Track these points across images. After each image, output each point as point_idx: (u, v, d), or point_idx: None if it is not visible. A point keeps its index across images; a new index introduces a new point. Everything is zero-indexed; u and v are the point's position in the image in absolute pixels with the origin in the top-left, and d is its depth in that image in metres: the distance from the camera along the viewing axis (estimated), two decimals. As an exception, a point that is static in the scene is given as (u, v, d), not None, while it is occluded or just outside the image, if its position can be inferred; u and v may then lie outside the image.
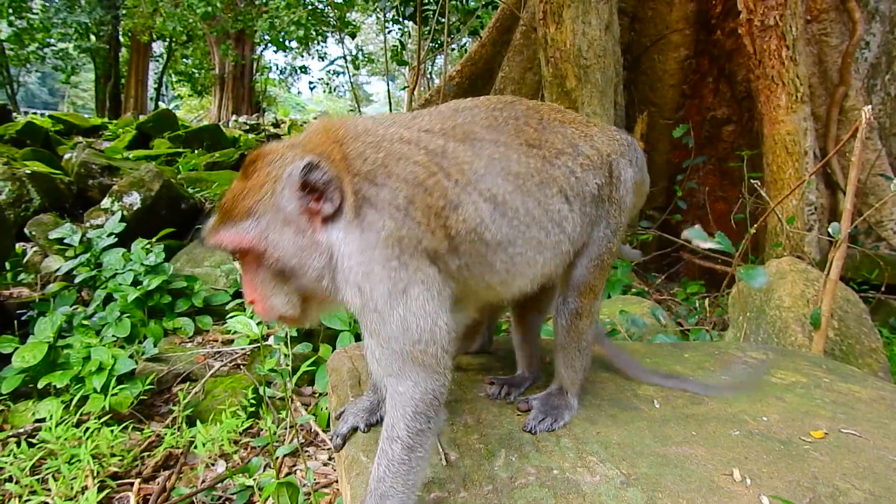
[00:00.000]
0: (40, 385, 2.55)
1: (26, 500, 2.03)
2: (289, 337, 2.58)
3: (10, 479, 2.11)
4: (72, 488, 2.06)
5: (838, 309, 2.79)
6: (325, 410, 2.63)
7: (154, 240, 3.86)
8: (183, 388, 2.88)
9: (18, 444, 2.25)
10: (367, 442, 1.50)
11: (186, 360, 3.15)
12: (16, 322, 3.15)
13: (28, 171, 4.10)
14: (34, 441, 2.34)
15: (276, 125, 19.56)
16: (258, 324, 2.12)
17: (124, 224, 3.98)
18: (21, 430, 2.39)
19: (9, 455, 2.21)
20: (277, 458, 2.23)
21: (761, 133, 5.36)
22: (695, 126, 5.95)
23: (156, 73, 37.56)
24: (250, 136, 10.27)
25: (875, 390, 1.92)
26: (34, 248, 4.20)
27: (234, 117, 22.78)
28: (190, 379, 3.06)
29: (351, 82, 7.58)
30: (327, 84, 31.81)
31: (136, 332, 3.26)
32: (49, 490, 2.05)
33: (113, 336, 3.13)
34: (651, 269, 5.61)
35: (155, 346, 3.13)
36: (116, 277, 3.46)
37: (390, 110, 7.08)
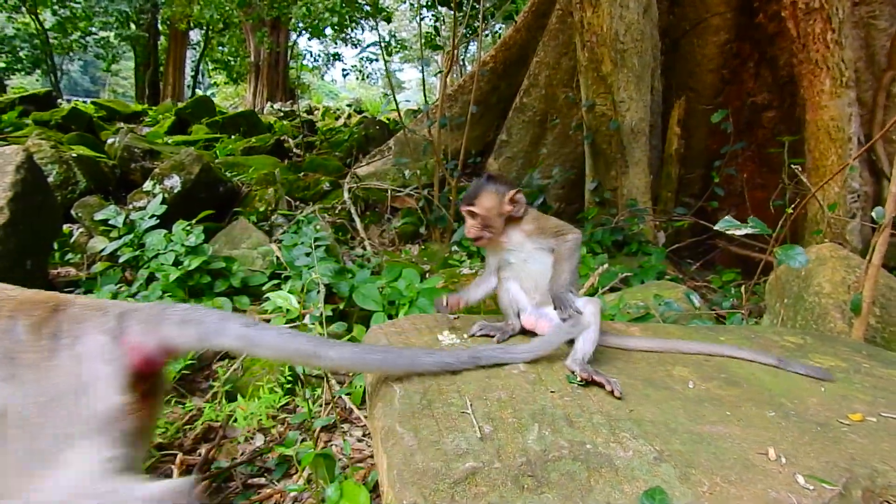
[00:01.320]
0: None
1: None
2: (324, 317, 2.64)
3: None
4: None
5: (880, 296, 2.72)
6: (358, 388, 2.69)
7: (194, 222, 3.97)
8: (222, 365, 2.97)
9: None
10: (403, 412, 1.53)
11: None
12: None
13: (74, 155, 4.23)
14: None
15: (309, 112, 19.76)
16: (298, 302, 2.17)
17: (165, 206, 4.10)
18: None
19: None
20: (315, 430, 2.30)
21: (803, 119, 5.23)
22: (734, 112, 5.82)
23: (193, 61, 38.16)
24: (285, 122, 10.40)
25: (917, 377, 1.88)
26: (80, 230, 4.36)
27: (268, 104, 23.05)
28: (228, 356, 3.15)
29: (386, 69, 7.60)
30: (360, 71, 31.94)
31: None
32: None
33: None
34: (686, 257, 5.54)
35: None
36: (158, 258, 3.57)
37: (424, 98, 7.10)
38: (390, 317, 3.03)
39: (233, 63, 35.13)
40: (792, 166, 3.71)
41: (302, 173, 5.80)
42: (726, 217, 2.31)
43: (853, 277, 2.80)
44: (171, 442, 2.43)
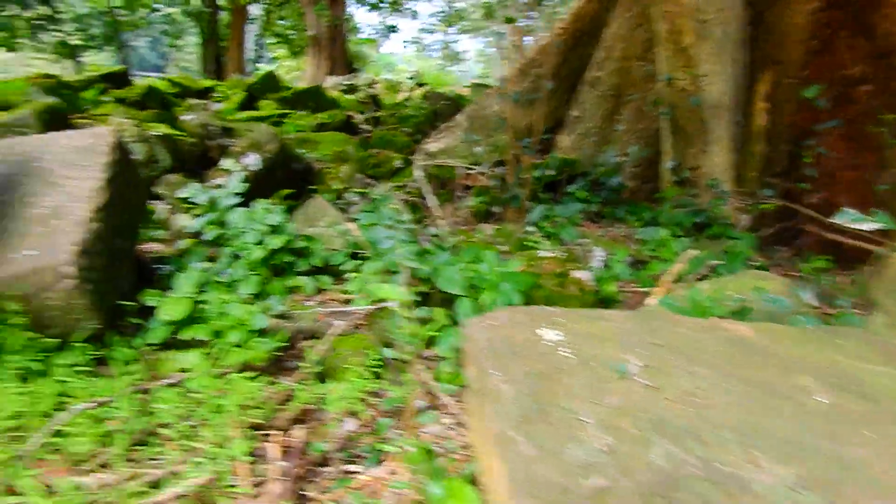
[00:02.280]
0: (183, 337, 2.74)
1: (180, 445, 2.21)
2: (413, 302, 2.62)
3: (165, 426, 2.29)
4: (220, 436, 2.21)
5: None
6: (446, 373, 2.67)
7: (275, 200, 4.02)
8: (309, 346, 3.01)
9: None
10: (517, 416, 1.49)
11: (309, 317, 3.29)
12: (153, 276, 3.40)
13: (157, 133, 4.33)
14: (179, 390, 2.52)
15: (370, 86, 19.80)
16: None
17: (247, 184, 4.16)
18: (170, 380, 2.57)
19: (161, 403, 2.39)
20: (408, 416, 2.30)
21: (907, 94, 4.83)
22: (824, 85, 5.44)
23: (255, 35, 38.76)
24: (349, 96, 10.42)
25: None
26: (165, 206, 4.49)
27: (330, 79, 23.20)
28: (314, 336, 3.18)
29: (444, 41, 7.52)
30: (418, 42, 31.78)
31: (262, 289, 3.43)
32: (201, 437, 2.21)
33: (243, 292, 3.32)
34: (771, 242, 5.27)
35: (280, 303, 3.28)
36: (241, 236, 3.63)
37: (489, 72, 6.99)
38: (475, 302, 2.99)
39: (292, 37, 35.52)
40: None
41: (373, 150, 5.79)
42: (845, 209, 2.15)
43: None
44: (267, 422, 2.48)
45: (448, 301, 3.30)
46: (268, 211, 3.79)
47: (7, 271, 2.48)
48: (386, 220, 3.97)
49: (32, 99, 6.23)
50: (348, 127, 6.48)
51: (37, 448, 2.08)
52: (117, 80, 8.60)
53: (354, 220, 4.05)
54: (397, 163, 5.40)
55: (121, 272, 3.00)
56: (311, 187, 4.67)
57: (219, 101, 9.23)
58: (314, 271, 3.74)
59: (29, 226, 2.69)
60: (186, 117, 6.38)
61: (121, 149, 3.19)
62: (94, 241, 2.70)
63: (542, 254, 3.93)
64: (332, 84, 21.10)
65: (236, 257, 3.62)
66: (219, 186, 4.29)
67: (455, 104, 7.87)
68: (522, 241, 4.27)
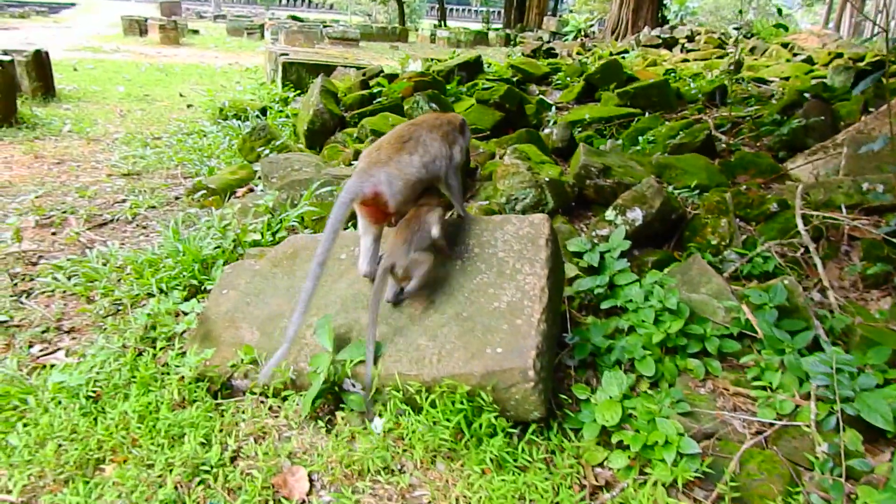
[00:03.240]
0: (612, 439, 3.05)
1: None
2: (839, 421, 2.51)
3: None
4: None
5: None
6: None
7: (664, 272, 4.12)
8: (714, 454, 3.10)
9: None
10: None
11: (707, 415, 3.37)
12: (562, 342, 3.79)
13: (546, 179, 4.67)
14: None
15: (690, 38, 18.02)
16: None
17: (629, 242, 4.32)
18: (600, 482, 2.92)
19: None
20: None
21: None
22: None
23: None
24: (699, 84, 9.70)
25: None
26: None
27: (643, 32, 21.83)
28: (712, 436, 3.26)
29: None
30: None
31: (657, 370, 3.61)
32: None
33: (639, 375, 3.55)
34: None
35: (680, 394, 3.41)
36: (638, 312, 3.83)
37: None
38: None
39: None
40: None
41: (743, 187, 5.47)
42: None
43: None
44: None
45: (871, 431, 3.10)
46: (662, 286, 3.90)
47: (483, 366, 3.00)
48: (775, 300, 3.80)
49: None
50: (708, 143, 6.17)
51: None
52: (472, 68, 9.37)
53: (746, 297, 3.93)
54: (774, 206, 5.02)
55: (553, 356, 3.42)
56: (689, 244, 4.64)
57: (559, 89, 9.52)
58: (703, 352, 3.78)
59: (492, 319, 3.20)
60: (548, 131, 6.72)
61: (554, 239, 3.55)
62: (543, 342, 3.11)
63: None
64: (646, 39, 19.95)
65: (631, 329, 3.84)
66: (602, 238, 4.53)
67: (830, 112, 6.87)
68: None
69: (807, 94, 7.50)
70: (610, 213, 4.63)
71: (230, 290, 3.70)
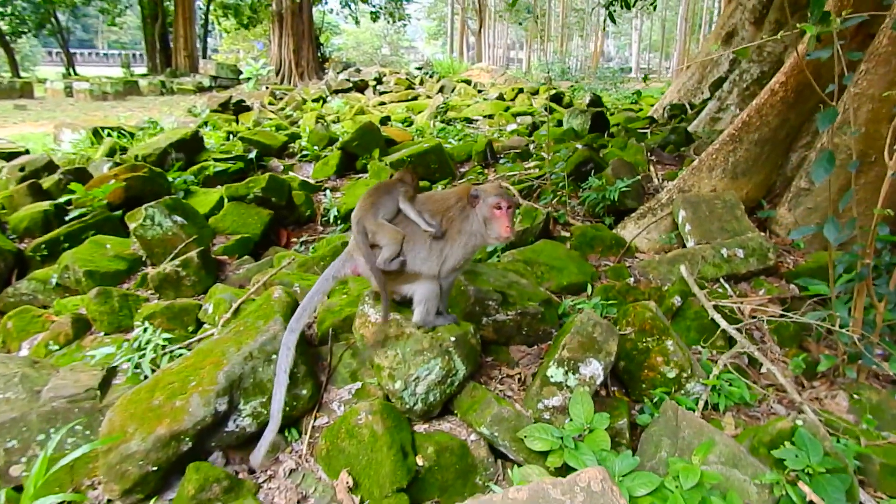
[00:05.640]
0: None
1: None
2: None
3: None
4: None
5: None
6: None
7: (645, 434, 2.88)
8: None
9: None
10: None
11: None
12: None
13: (453, 339, 3.12)
14: None
15: (379, 80, 17.58)
16: None
17: (607, 415, 3.00)
18: None
19: None
20: None
21: None
22: None
23: (201, 10, 35.46)
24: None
25: None
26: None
27: (310, 81, 20.84)
28: None
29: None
30: (391, 14, 29.49)
31: None
32: None
33: None
34: None
35: None
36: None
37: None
38: None
39: (242, 4, 32.67)
40: None
41: (594, 265, 4.61)
42: None
43: None
44: None
45: None
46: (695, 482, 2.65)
47: None
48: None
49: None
50: (547, 223, 5.24)
51: None
52: (189, 147, 6.90)
53: (778, 462, 2.94)
54: (676, 299, 4.27)
55: None
56: (641, 384, 3.52)
57: (307, 161, 7.58)
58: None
59: None
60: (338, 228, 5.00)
61: None
62: None
63: None
64: (336, 84, 19.02)
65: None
66: (551, 409, 3.11)
67: (590, 153, 6.57)
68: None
69: (578, 146, 7.23)
70: (555, 372, 3.20)
71: None
